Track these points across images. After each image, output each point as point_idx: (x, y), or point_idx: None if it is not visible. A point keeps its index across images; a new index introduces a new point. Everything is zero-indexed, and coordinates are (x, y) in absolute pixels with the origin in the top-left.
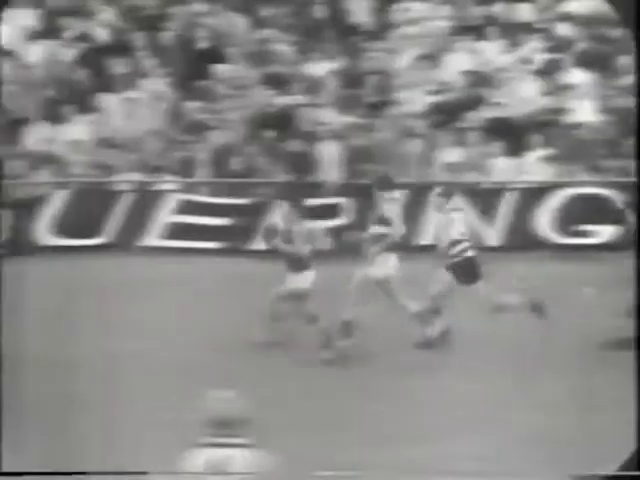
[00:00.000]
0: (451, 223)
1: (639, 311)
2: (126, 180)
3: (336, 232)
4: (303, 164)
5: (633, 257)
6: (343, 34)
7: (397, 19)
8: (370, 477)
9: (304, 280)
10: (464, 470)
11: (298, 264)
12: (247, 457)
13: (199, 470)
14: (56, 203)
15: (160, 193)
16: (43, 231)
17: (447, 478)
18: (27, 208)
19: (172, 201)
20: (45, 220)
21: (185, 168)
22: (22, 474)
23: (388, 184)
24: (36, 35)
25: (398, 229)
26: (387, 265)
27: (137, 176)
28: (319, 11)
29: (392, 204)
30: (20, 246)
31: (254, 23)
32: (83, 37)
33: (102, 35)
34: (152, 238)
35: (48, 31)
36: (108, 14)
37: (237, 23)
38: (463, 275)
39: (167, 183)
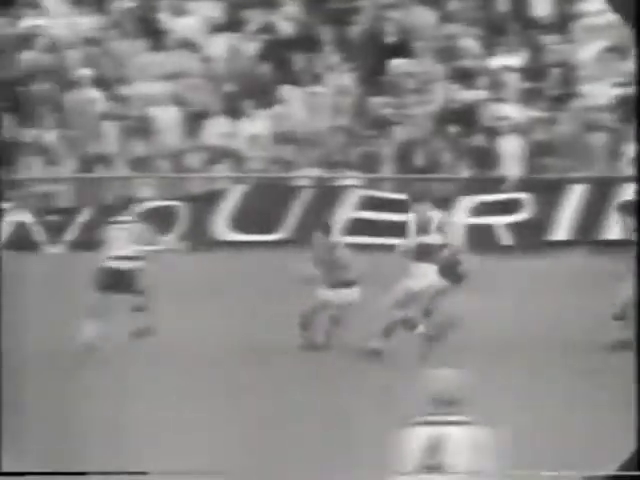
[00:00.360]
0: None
1: (639, 311)
2: (306, 175)
3: (517, 228)
4: (485, 159)
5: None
6: (526, 27)
7: (580, 10)
8: None
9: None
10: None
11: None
12: (467, 434)
13: (415, 448)
14: (234, 198)
15: (341, 189)
16: (221, 226)
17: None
18: (205, 202)
19: (354, 197)
20: (223, 215)
21: (368, 163)
22: (22, 474)
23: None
24: (219, 27)
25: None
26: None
27: (317, 171)
28: (502, 4)
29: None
30: (198, 240)
31: (441, 17)
32: (267, 30)
33: (286, 28)
34: (333, 234)
35: (231, 23)
36: (292, 7)
37: (425, 17)
38: None
39: (349, 179)
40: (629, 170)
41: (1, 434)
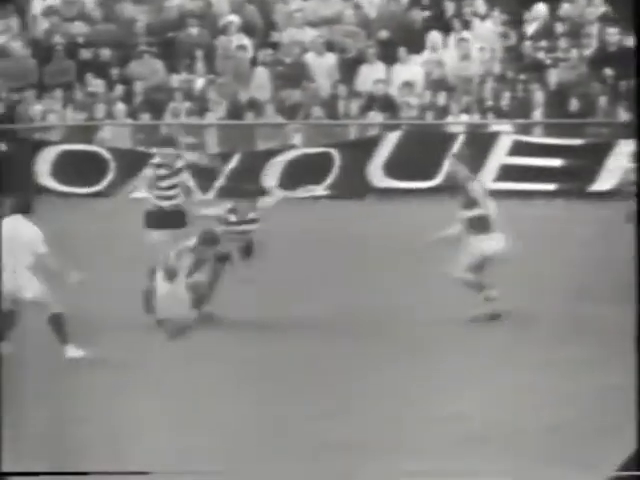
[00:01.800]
0: None
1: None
2: (459, 122)
3: None
4: None
5: None
6: None
7: None
8: None
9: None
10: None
11: None
12: None
13: None
14: (388, 145)
15: (494, 135)
16: (375, 173)
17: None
18: (360, 149)
19: (506, 142)
20: (377, 162)
21: (520, 109)
22: (22, 474)
23: None
24: None
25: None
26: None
27: (470, 118)
28: None
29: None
30: (352, 187)
31: None
32: None
33: None
34: (486, 180)
35: None
36: None
37: None
38: None
39: (501, 124)
40: None
41: (1, 434)
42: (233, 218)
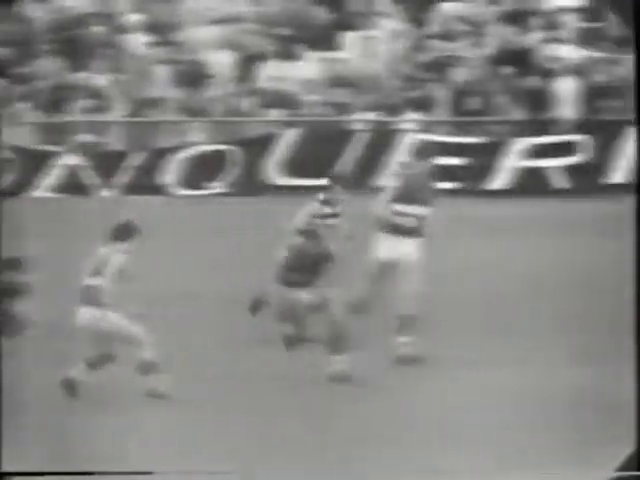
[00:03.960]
0: None
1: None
2: (361, 119)
3: (572, 171)
4: (540, 101)
5: None
6: None
7: None
8: None
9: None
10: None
11: None
12: None
13: None
14: (287, 142)
15: (396, 132)
16: (273, 170)
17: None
18: (258, 146)
19: (408, 141)
20: (275, 159)
21: (423, 107)
22: (22, 474)
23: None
24: None
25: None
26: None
27: (372, 115)
28: None
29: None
30: (250, 185)
31: None
32: None
33: None
34: (387, 178)
35: None
36: None
37: None
38: None
39: (403, 122)
40: None
41: (1, 434)
42: None
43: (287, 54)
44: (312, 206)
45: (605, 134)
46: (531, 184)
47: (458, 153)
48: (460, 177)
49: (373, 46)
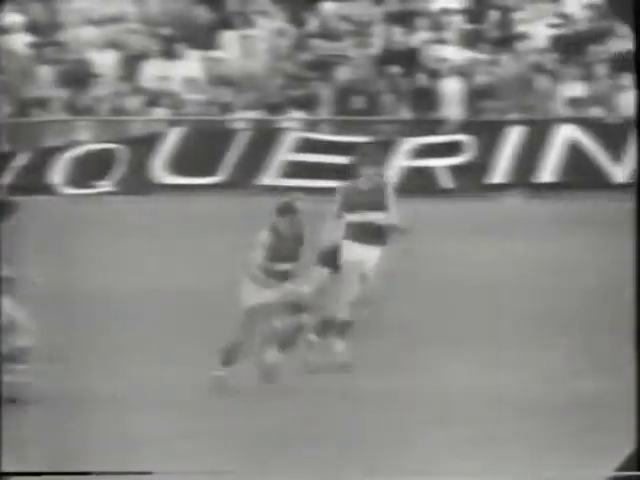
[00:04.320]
0: None
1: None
2: (244, 118)
3: (457, 170)
4: (426, 101)
5: None
6: None
7: None
8: None
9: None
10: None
11: None
12: None
13: None
14: (172, 141)
15: (279, 131)
16: (159, 169)
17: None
18: (143, 145)
19: (292, 139)
20: (161, 158)
21: (306, 106)
22: (22, 474)
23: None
24: None
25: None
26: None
27: (254, 114)
28: None
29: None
30: (136, 184)
31: None
32: None
33: None
34: (271, 177)
35: None
36: None
37: None
38: None
39: (287, 121)
40: (566, 111)
41: (1, 434)
42: None
43: (169, 53)
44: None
45: (487, 134)
46: (417, 183)
47: (342, 152)
48: (347, 176)
49: (253, 45)
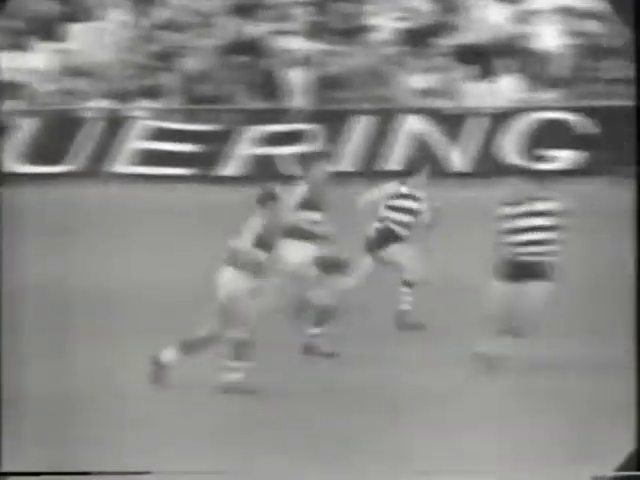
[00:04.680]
0: None
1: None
2: (93, 107)
3: (303, 158)
4: (272, 90)
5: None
6: None
7: None
8: None
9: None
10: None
11: None
12: None
13: None
14: (24, 131)
15: (128, 119)
16: (11, 159)
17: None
18: None
19: (141, 128)
20: (13, 148)
21: (154, 95)
22: (22, 474)
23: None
24: None
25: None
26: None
27: (105, 103)
28: None
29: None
30: None
31: None
32: None
33: None
34: (121, 165)
35: None
36: None
37: None
38: None
39: (135, 109)
40: (412, 101)
41: (1, 434)
42: None
43: (18, 46)
44: (390, 186)
45: (334, 124)
46: (262, 171)
47: (191, 140)
48: (193, 164)
49: (100, 36)
